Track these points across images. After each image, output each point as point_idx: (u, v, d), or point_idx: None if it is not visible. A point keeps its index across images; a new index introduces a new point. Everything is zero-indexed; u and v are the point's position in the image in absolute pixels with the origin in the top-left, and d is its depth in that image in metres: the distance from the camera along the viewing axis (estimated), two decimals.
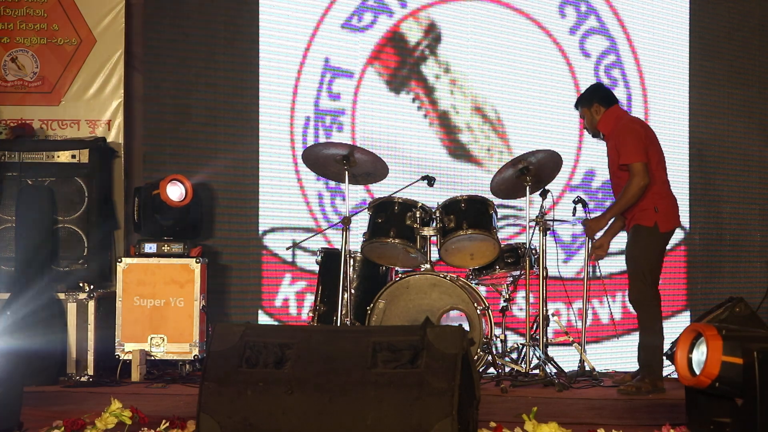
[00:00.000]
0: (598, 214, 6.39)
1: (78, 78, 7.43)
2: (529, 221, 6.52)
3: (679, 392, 5.89)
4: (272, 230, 7.69)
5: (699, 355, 4.33)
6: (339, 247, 6.56)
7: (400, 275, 6.60)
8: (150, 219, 6.89)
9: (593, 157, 8.08)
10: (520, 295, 7.08)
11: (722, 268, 8.33)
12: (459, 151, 7.94)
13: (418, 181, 6.89)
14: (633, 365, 7.19)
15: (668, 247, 8.13)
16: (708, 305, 7.06)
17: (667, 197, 6.22)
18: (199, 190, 7.20)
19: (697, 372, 4.30)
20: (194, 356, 6.67)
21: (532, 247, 6.58)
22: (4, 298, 6.61)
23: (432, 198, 6.77)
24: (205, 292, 6.83)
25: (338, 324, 6.43)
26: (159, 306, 6.72)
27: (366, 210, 6.73)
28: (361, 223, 6.89)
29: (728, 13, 8.44)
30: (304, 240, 7.45)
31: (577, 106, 6.48)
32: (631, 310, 6.34)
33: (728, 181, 8.36)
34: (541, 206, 6.57)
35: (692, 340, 4.39)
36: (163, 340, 6.70)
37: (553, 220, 6.72)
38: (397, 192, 6.76)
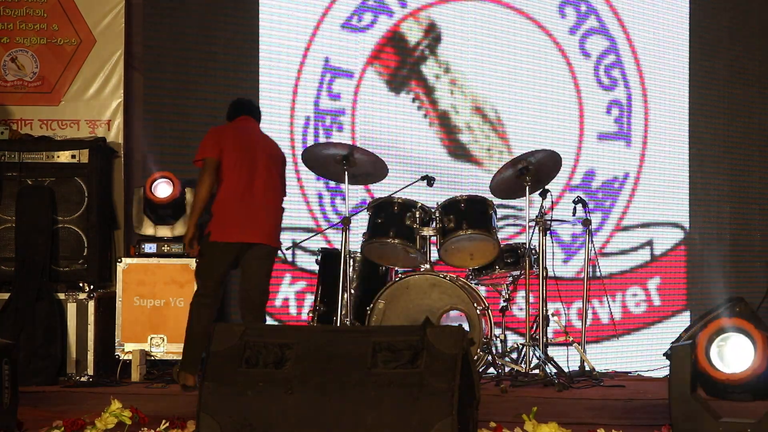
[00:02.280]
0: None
1: (78, 78, 7.42)
2: (529, 221, 6.52)
3: None
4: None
5: (752, 353, 4.25)
6: (339, 247, 6.56)
7: (400, 275, 6.59)
8: (149, 218, 6.93)
9: (593, 157, 8.09)
10: (520, 295, 7.08)
11: (722, 268, 8.33)
12: (459, 151, 7.94)
13: (417, 181, 6.88)
14: (632, 365, 7.21)
15: (668, 246, 8.20)
16: (708, 305, 7.07)
17: (230, 206, 5.88)
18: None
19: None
20: None
21: (532, 247, 6.58)
22: (4, 298, 6.61)
23: (432, 198, 6.77)
24: None
25: (338, 324, 6.42)
26: (159, 306, 6.72)
27: (366, 210, 6.73)
28: (361, 223, 6.89)
29: (728, 13, 8.44)
30: (304, 240, 7.45)
31: None
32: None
33: (728, 181, 8.36)
34: (541, 206, 6.57)
35: (715, 331, 4.30)
36: (163, 340, 6.70)
37: (553, 220, 6.71)
38: (396, 192, 6.76)
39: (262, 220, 6.00)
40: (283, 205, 6.19)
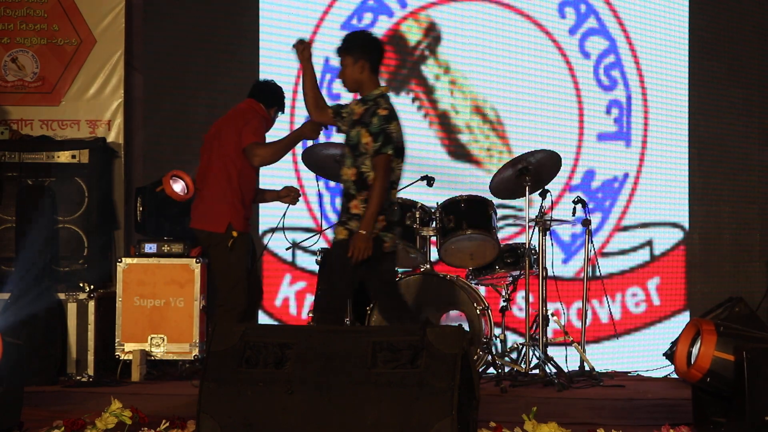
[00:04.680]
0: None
1: (78, 78, 7.43)
2: (529, 221, 6.53)
3: (679, 392, 5.91)
4: (272, 230, 7.69)
5: (696, 349, 4.35)
6: None
7: (400, 275, 6.60)
8: (153, 218, 6.91)
9: (593, 157, 8.09)
10: (520, 295, 7.08)
11: (722, 268, 8.33)
12: (459, 152, 7.94)
13: (417, 181, 6.88)
14: (632, 365, 7.22)
15: (668, 246, 8.21)
16: (708, 305, 7.08)
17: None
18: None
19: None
20: (194, 356, 6.67)
21: (532, 247, 6.58)
22: (4, 298, 6.62)
23: (432, 198, 6.77)
24: (205, 292, 6.83)
25: None
26: (159, 306, 6.72)
27: None
28: None
29: (728, 12, 8.44)
30: (304, 240, 7.45)
31: None
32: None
33: (728, 181, 8.37)
34: (541, 206, 6.57)
35: (694, 334, 4.41)
36: (163, 340, 6.70)
37: (552, 220, 6.71)
38: (397, 192, 6.75)
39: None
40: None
